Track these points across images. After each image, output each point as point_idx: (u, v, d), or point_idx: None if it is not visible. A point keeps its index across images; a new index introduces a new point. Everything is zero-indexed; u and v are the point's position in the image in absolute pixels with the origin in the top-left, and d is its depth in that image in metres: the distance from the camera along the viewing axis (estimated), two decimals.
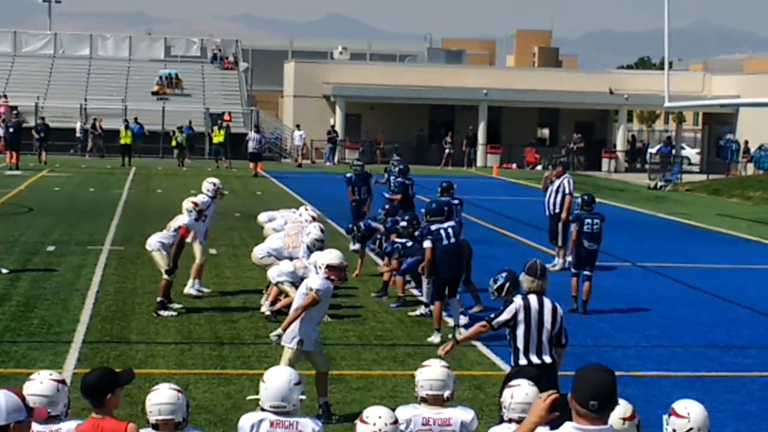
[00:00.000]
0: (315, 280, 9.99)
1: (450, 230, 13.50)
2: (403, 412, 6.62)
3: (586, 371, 4.76)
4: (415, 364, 12.29)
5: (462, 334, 11.36)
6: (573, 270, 15.79)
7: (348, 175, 22.15)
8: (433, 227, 13.51)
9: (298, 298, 10.04)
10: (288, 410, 6.15)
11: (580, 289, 15.54)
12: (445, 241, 13.36)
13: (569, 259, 16.00)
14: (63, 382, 5.98)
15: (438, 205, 14.25)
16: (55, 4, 69.44)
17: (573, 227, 15.85)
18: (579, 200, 16.12)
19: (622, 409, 5.43)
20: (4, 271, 17.08)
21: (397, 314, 14.97)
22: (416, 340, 13.51)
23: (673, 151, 50.69)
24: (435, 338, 13.33)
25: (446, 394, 6.67)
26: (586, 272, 15.52)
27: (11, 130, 41.56)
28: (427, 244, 13.43)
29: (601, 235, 15.72)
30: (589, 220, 15.59)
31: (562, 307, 9.20)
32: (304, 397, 6.30)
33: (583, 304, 15.49)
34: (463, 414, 6.66)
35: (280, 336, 9.95)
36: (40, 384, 5.86)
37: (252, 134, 43.53)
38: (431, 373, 6.71)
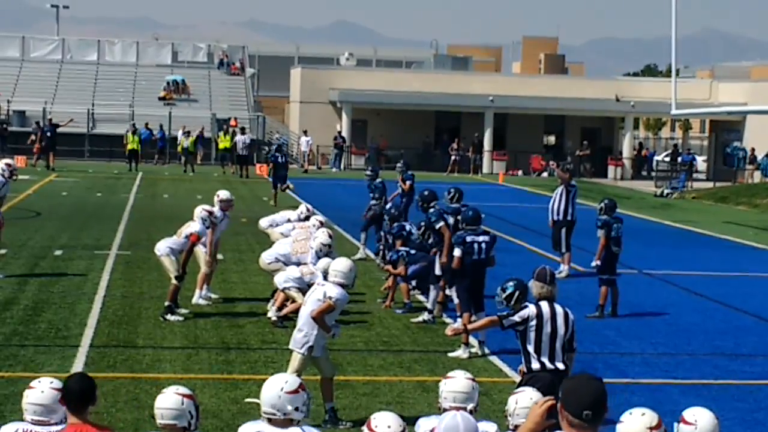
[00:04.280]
0: (333, 289, 9.97)
1: (483, 245, 13.21)
2: (426, 424, 6.31)
3: (577, 381, 4.69)
4: (422, 370, 12.39)
5: (472, 324, 11.31)
6: (602, 276, 15.89)
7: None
8: (468, 238, 13.17)
9: (313, 303, 9.99)
10: (279, 418, 5.79)
11: (609, 294, 15.80)
12: (475, 256, 13.14)
13: (595, 263, 16.05)
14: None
15: (475, 212, 13.59)
16: (62, 9, 69.65)
17: (601, 233, 15.96)
18: (601, 206, 16.27)
19: (648, 418, 5.14)
20: (0, 276, 17.03)
21: (404, 320, 14.98)
22: (422, 346, 13.52)
23: (695, 162, 50.63)
24: (462, 353, 12.91)
25: (470, 407, 6.43)
26: (613, 277, 15.88)
27: (48, 134, 44.14)
28: (457, 252, 13.14)
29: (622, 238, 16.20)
30: (616, 225, 16.00)
31: (575, 312, 9.20)
32: (302, 413, 5.82)
33: (613, 307, 15.78)
34: (485, 428, 6.36)
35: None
36: (41, 393, 5.82)
37: (239, 136, 42.74)
38: (456, 385, 6.49)
